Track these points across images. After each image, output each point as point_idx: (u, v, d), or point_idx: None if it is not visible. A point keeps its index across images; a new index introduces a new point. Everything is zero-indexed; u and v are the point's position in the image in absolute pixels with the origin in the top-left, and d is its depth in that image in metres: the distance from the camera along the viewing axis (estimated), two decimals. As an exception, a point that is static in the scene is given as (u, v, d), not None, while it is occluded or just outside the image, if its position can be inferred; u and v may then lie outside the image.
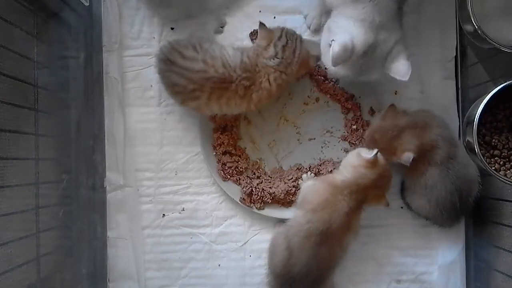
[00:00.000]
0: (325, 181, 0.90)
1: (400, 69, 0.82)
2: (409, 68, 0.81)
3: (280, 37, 0.89)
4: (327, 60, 0.83)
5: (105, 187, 1.02)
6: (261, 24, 0.91)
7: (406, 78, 0.82)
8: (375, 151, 0.85)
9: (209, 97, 0.89)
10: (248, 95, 0.89)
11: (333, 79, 1.01)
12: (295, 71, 0.90)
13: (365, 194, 0.87)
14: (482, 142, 0.92)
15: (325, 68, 0.87)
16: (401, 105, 0.99)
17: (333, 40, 0.79)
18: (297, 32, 0.92)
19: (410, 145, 0.89)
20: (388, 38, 0.81)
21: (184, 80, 0.89)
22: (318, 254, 0.85)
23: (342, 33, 0.79)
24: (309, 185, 0.93)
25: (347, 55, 0.78)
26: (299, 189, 0.98)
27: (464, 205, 0.92)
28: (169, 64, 0.90)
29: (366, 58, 0.81)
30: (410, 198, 0.99)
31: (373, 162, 0.85)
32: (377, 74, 0.85)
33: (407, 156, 0.88)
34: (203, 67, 0.88)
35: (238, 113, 0.97)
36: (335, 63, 0.79)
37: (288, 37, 0.90)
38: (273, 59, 0.88)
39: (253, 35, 1.02)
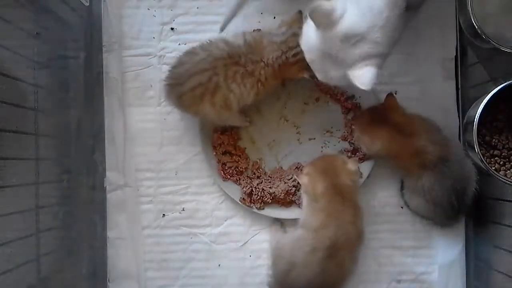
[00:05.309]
0: (311, 207, 0.89)
1: (364, 76, 0.74)
2: (373, 79, 0.73)
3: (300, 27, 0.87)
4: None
5: (105, 187, 1.02)
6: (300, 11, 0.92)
7: (367, 87, 0.73)
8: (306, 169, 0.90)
9: (225, 76, 0.87)
10: (257, 72, 0.88)
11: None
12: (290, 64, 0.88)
13: (340, 186, 0.86)
14: (482, 142, 0.92)
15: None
16: (401, 105, 0.99)
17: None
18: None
19: (376, 140, 0.92)
20: (376, 45, 0.74)
21: (196, 76, 0.87)
22: (326, 270, 0.84)
23: (340, 3, 0.74)
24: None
25: (328, 19, 0.72)
26: (299, 189, 0.98)
27: (461, 204, 0.92)
28: (174, 81, 0.90)
29: (342, 46, 0.74)
30: (408, 198, 0.99)
31: (309, 173, 0.88)
32: (338, 72, 0.77)
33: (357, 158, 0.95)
34: (205, 53, 0.87)
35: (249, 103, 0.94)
36: (314, 17, 0.73)
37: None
38: (280, 35, 0.88)
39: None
